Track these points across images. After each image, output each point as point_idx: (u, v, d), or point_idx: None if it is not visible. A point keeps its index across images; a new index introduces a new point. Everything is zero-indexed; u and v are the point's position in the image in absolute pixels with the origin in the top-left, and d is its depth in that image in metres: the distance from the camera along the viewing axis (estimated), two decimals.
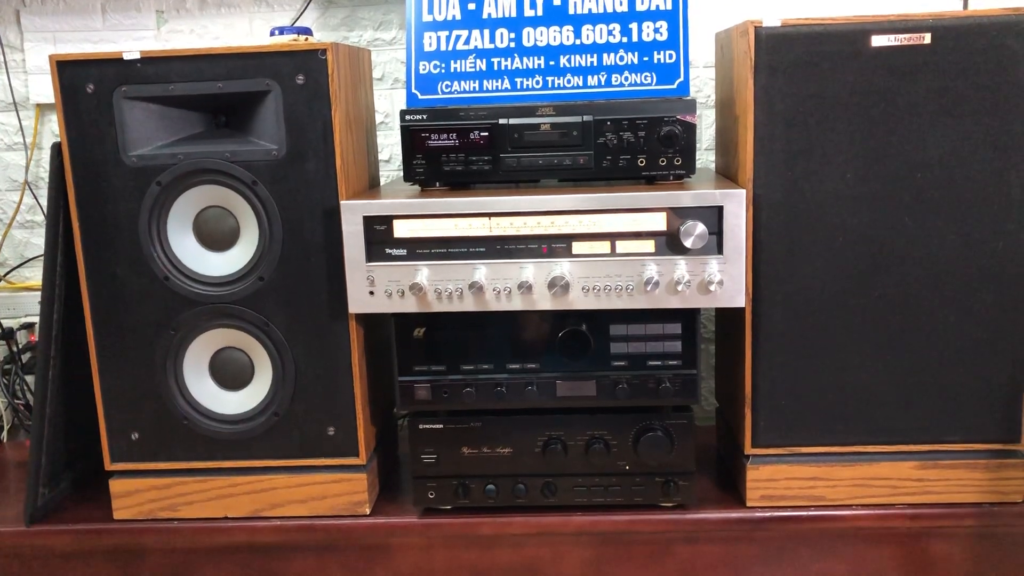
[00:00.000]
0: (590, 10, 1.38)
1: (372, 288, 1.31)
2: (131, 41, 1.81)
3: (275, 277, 1.36)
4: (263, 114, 1.34)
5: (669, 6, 1.37)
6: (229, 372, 1.42)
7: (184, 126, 1.38)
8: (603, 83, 1.37)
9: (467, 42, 1.40)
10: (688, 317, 1.31)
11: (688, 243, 1.24)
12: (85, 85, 1.33)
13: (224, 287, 1.37)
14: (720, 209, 1.25)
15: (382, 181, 1.81)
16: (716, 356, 1.62)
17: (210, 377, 1.42)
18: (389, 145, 1.82)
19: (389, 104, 1.81)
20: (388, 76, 1.80)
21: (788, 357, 1.32)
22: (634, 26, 1.37)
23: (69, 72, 1.33)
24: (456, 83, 1.40)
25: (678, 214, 1.26)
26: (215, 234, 1.38)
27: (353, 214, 1.30)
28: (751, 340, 1.32)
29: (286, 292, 1.36)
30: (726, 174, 1.46)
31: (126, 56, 1.32)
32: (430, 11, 1.41)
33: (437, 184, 1.39)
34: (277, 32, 1.44)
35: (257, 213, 1.35)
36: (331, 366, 1.38)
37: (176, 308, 1.38)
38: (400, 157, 1.76)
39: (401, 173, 1.81)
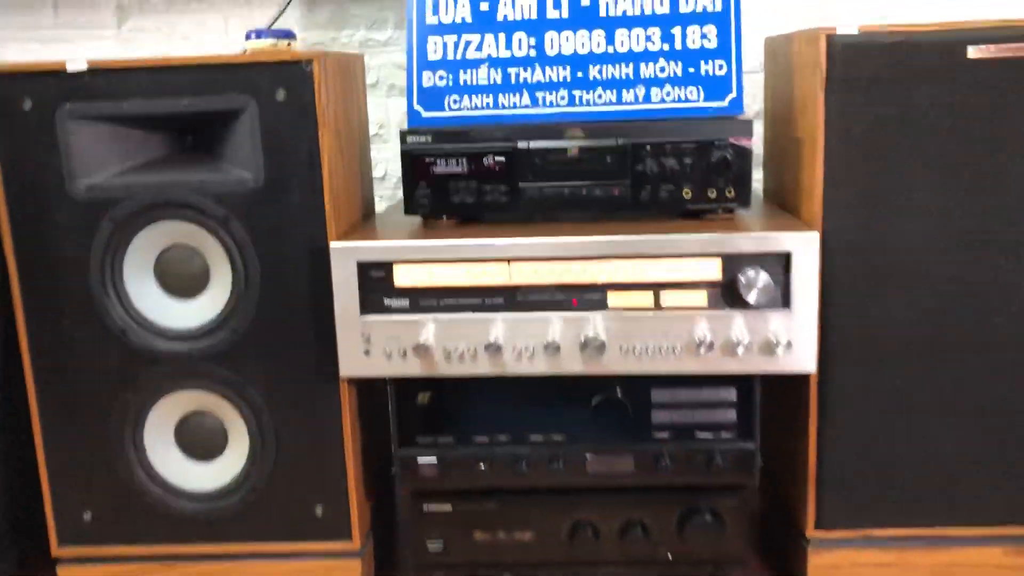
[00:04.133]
0: (625, 12, 1.16)
1: (368, 347, 1.10)
2: (87, 40, 1.58)
3: (252, 330, 1.14)
4: (237, 136, 1.12)
5: (718, 7, 1.15)
6: (198, 440, 1.20)
7: (143, 149, 1.16)
8: (641, 99, 1.16)
9: (479, 49, 1.18)
10: (745, 381, 1.10)
11: (750, 298, 1.04)
12: (21, 101, 1.10)
13: (192, 341, 1.15)
14: (787, 256, 1.04)
15: (377, 202, 1.59)
16: (761, 418, 1.41)
17: (176, 446, 1.21)
18: (384, 160, 1.60)
19: (384, 113, 1.59)
20: (383, 82, 1.58)
21: (860, 426, 1.11)
22: (677, 31, 1.16)
23: (1, 86, 1.10)
24: (466, 98, 1.18)
25: (736, 261, 1.05)
26: (181, 278, 1.16)
27: (345, 259, 1.09)
28: (817, 406, 1.11)
29: (265, 348, 1.14)
30: (780, 203, 1.25)
31: (70, 67, 1.09)
32: (435, 11, 1.19)
33: (444, 217, 1.18)
34: (254, 36, 1.22)
35: (230, 254, 1.13)
36: (318, 434, 1.16)
37: (135, 366, 1.16)
38: (397, 174, 1.54)
39: (399, 191, 1.60)
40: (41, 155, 1.12)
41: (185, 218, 1.12)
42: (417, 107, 1.19)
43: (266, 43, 1.21)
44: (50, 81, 1.10)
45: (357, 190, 1.25)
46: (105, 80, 1.10)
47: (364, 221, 1.27)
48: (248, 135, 1.10)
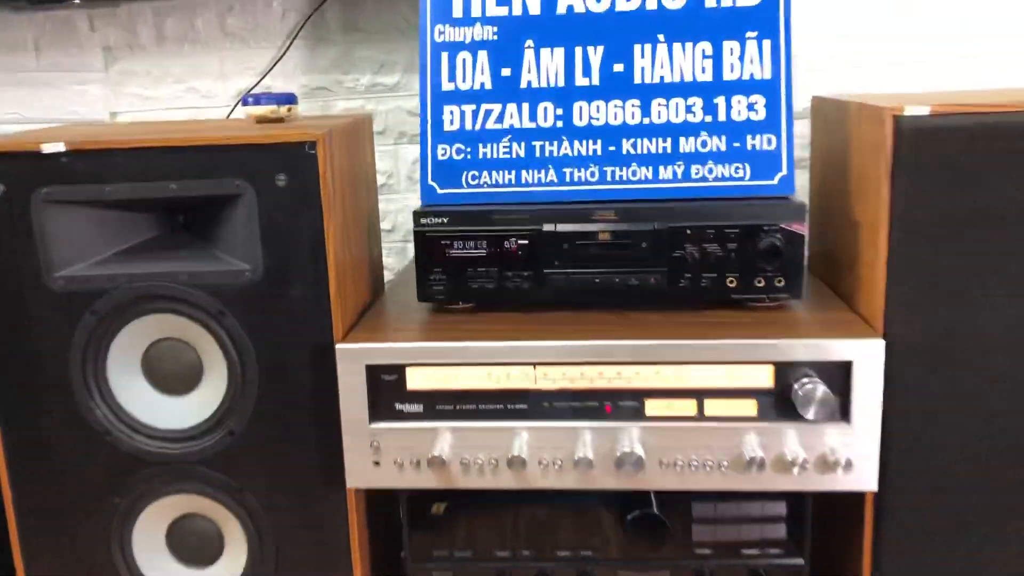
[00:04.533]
0: (662, 79, 1.05)
1: (378, 457, 0.99)
2: (72, 84, 1.46)
3: (250, 432, 1.03)
4: (233, 221, 1.01)
5: (767, 75, 1.04)
6: (192, 545, 1.10)
7: (128, 233, 1.05)
8: (680, 176, 1.04)
9: (500, 119, 1.07)
10: (796, 496, 1.00)
11: (808, 413, 0.93)
12: None
13: (184, 443, 1.05)
14: (848, 365, 0.93)
15: (384, 254, 1.48)
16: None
17: (168, 551, 1.11)
18: (393, 212, 1.49)
19: (393, 162, 1.47)
20: (391, 129, 1.46)
21: (918, 546, 1.00)
22: (721, 101, 1.04)
23: None
24: (486, 173, 1.07)
25: (790, 369, 0.94)
26: (171, 374, 1.05)
27: (352, 362, 0.98)
28: (872, 527, 1.00)
29: (264, 451, 1.04)
30: (828, 279, 1.14)
31: (46, 149, 0.98)
32: (451, 77, 1.08)
33: (460, 303, 1.07)
34: (251, 101, 1.10)
35: (225, 350, 1.02)
36: (324, 544, 1.06)
37: (122, 470, 1.06)
38: (406, 226, 1.44)
39: (408, 246, 1.48)
40: (16, 243, 1.01)
41: (175, 311, 1.02)
42: (432, 183, 1.07)
43: (265, 109, 1.10)
44: (24, 164, 0.99)
45: (365, 271, 1.14)
46: (84, 162, 0.98)
47: (373, 302, 1.16)
48: (245, 222, 0.99)
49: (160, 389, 1.06)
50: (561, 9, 1.06)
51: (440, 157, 1.08)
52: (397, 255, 1.50)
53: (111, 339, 1.03)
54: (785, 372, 0.94)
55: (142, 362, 1.05)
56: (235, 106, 1.44)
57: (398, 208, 1.49)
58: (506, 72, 1.07)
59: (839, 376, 0.94)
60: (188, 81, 1.45)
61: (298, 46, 1.43)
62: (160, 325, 1.03)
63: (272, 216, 0.99)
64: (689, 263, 1.02)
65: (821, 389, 0.92)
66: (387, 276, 1.48)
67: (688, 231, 1.01)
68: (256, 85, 1.44)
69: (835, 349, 0.93)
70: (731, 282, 1.02)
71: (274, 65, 1.43)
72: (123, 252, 1.04)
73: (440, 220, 1.04)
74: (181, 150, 0.98)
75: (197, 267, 1.01)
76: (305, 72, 1.44)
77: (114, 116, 1.47)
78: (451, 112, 1.08)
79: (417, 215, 1.04)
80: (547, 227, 1.03)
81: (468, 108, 1.07)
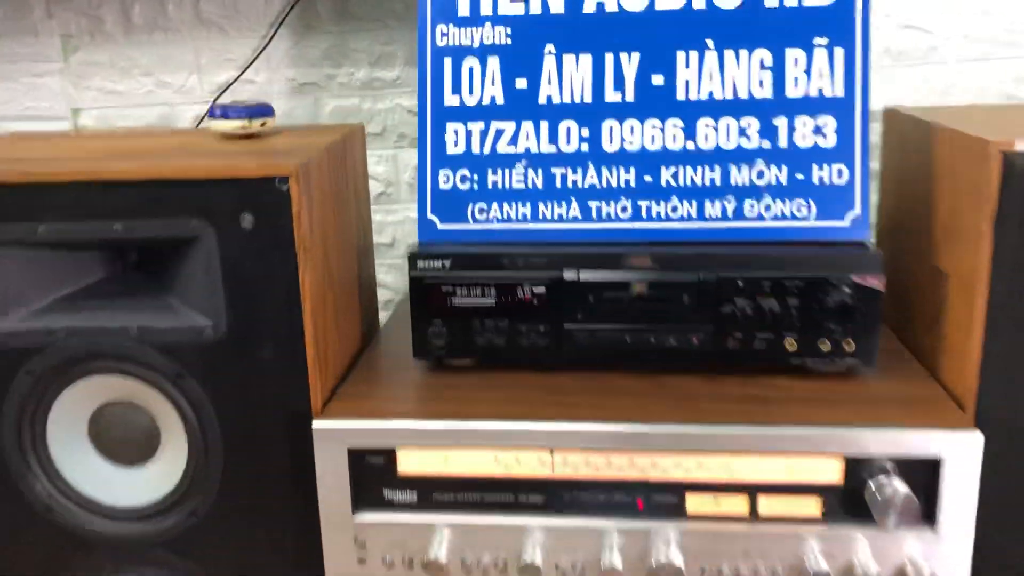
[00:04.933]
0: (711, 95, 0.86)
1: (362, 554, 0.83)
2: (26, 76, 1.28)
3: (214, 514, 0.87)
4: (191, 267, 0.84)
5: (839, 91, 0.85)
6: None
7: (68, 275, 0.88)
8: (730, 214, 0.86)
9: (514, 141, 0.89)
10: None
11: (887, 522, 0.75)
12: None
13: (139, 523, 0.89)
14: (936, 464, 0.76)
15: (384, 271, 1.31)
16: None
17: None
18: (392, 224, 1.31)
19: (392, 169, 1.29)
20: (391, 131, 1.28)
21: None
22: (782, 123, 0.86)
23: None
24: (496, 206, 0.89)
25: (864, 464, 0.77)
26: (123, 442, 0.89)
27: (332, 444, 0.81)
28: None
29: (231, 535, 0.88)
30: (902, 336, 0.96)
31: None
32: (456, 89, 0.89)
33: (466, 360, 0.90)
34: (218, 114, 0.93)
35: (184, 417, 0.86)
36: None
37: (66, 552, 0.90)
38: (408, 239, 1.26)
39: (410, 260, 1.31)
40: None
41: (125, 372, 0.85)
42: (431, 217, 0.90)
43: (234, 124, 0.92)
44: None
45: (353, 316, 0.97)
46: (12, 197, 0.81)
47: (364, 349, 0.99)
48: (204, 269, 0.82)
49: (110, 459, 0.90)
50: (589, 7, 0.88)
51: (442, 185, 0.90)
52: (398, 272, 1.33)
53: (51, 402, 0.87)
54: (857, 467, 0.77)
55: (89, 428, 0.89)
56: (213, 102, 1.27)
57: (398, 220, 1.31)
58: (521, 84, 0.89)
59: (924, 474, 0.76)
60: (158, 74, 1.27)
61: (284, 36, 1.25)
62: (108, 386, 0.87)
63: (236, 263, 0.81)
64: (739, 320, 0.84)
65: (903, 492, 0.75)
66: (386, 296, 1.32)
67: (740, 283, 0.84)
68: (236, 80, 1.26)
69: (920, 442, 0.76)
70: (790, 344, 0.84)
71: (256, 57, 1.25)
72: (63, 299, 0.87)
73: (440, 263, 0.87)
74: (125, 185, 0.80)
75: (149, 320, 0.84)
76: (292, 65, 1.26)
77: (76, 113, 1.30)
78: (455, 131, 0.90)
79: (413, 258, 0.87)
80: (568, 275, 0.85)
81: (476, 127, 0.89)
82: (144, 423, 0.89)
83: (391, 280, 1.33)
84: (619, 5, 0.87)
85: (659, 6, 0.87)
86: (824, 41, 0.85)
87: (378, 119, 1.27)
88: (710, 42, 0.86)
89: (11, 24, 1.27)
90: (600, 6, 0.87)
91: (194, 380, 0.84)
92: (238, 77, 1.25)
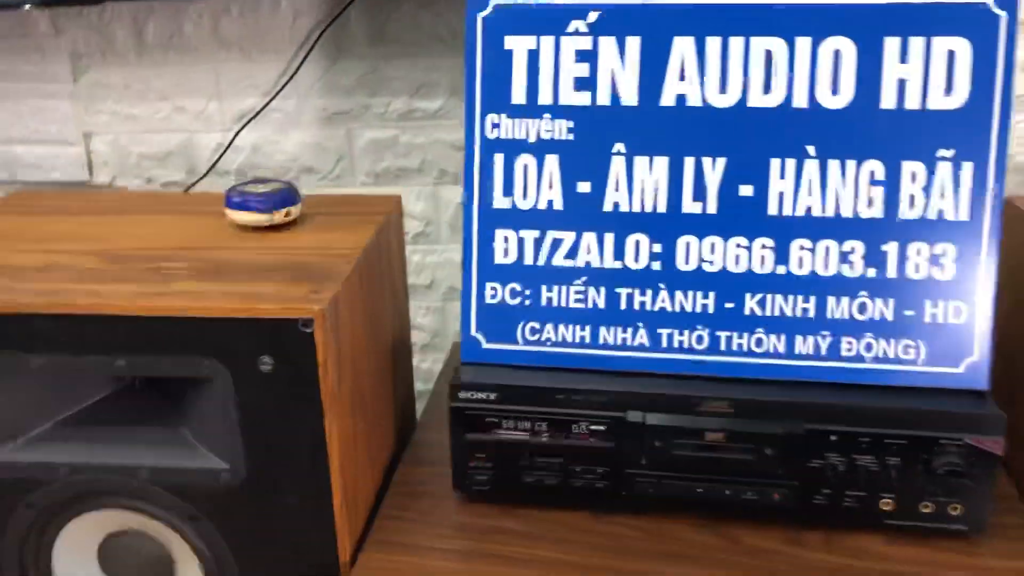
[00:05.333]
0: (809, 210, 0.73)
1: None
2: (32, 97, 1.17)
3: None
4: (205, 405, 0.74)
5: (963, 215, 0.71)
6: None
7: (69, 395, 0.79)
8: (825, 352, 0.74)
9: (573, 253, 0.77)
10: None
11: None
12: None
13: None
14: None
15: (421, 313, 1.20)
16: None
17: None
18: (431, 266, 1.20)
19: (432, 207, 1.17)
20: (431, 166, 1.15)
21: None
22: (892, 248, 0.73)
23: None
24: (550, 327, 0.78)
25: None
26: (137, 571, 0.81)
27: None
28: None
29: None
30: (1017, 476, 0.84)
31: None
32: (508, 190, 0.77)
33: (513, 501, 0.80)
34: (236, 202, 0.81)
35: (200, 556, 0.77)
36: None
37: None
38: (448, 282, 1.16)
39: (449, 305, 1.20)
40: None
41: (135, 510, 0.77)
42: (476, 334, 0.79)
43: (256, 219, 0.81)
44: None
45: (388, 426, 0.87)
46: (6, 326, 0.71)
47: (400, 454, 0.90)
48: (220, 411, 0.72)
49: None
50: (667, 99, 0.74)
51: (488, 299, 0.78)
52: (436, 315, 1.22)
53: (56, 533, 0.79)
54: None
55: (99, 556, 0.81)
56: (233, 138, 1.14)
57: (438, 261, 1.20)
58: (584, 187, 0.76)
59: None
60: (175, 98, 1.15)
61: (314, 59, 1.11)
62: (118, 518, 0.78)
63: (255, 407, 0.71)
64: (830, 478, 0.73)
65: None
66: (422, 339, 1.21)
67: (833, 436, 0.72)
68: (264, 108, 1.13)
69: None
70: (886, 504, 0.73)
71: (284, 86, 1.12)
72: (63, 423, 0.78)
73: (486, 395, 0.76)
74: (128, 320, 0.70)
75: (161, 459, 0.75)
76: (323, 93, 1.13)
77: (88, 138, 1.18)
78: (505, 239, 0.77)
79: (455, 388, 0.76)
80: (632, 416, 0.74)
81: (529, 235, 0.77)
82: (158, 553, 0.80)
83: (428, 323, 1.22)
84: (703, 99, 0.73)
85: (752, 103, 0.73)
86: (950, 153, 0.71)
87: (417, 153, 1.15)
88: (811, 149, 0.73)
89: (15, 41, 1.14)
90: (681, 99, 0.74)
91: (210, 523, 0.75)
92: (265, 106, 1.13)
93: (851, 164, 0.72)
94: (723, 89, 0.73)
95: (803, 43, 0.72)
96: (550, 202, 0.77)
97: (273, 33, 1.11)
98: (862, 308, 0.73)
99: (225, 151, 1.15)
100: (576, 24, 0.75)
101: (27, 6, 0.94)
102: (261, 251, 0.79)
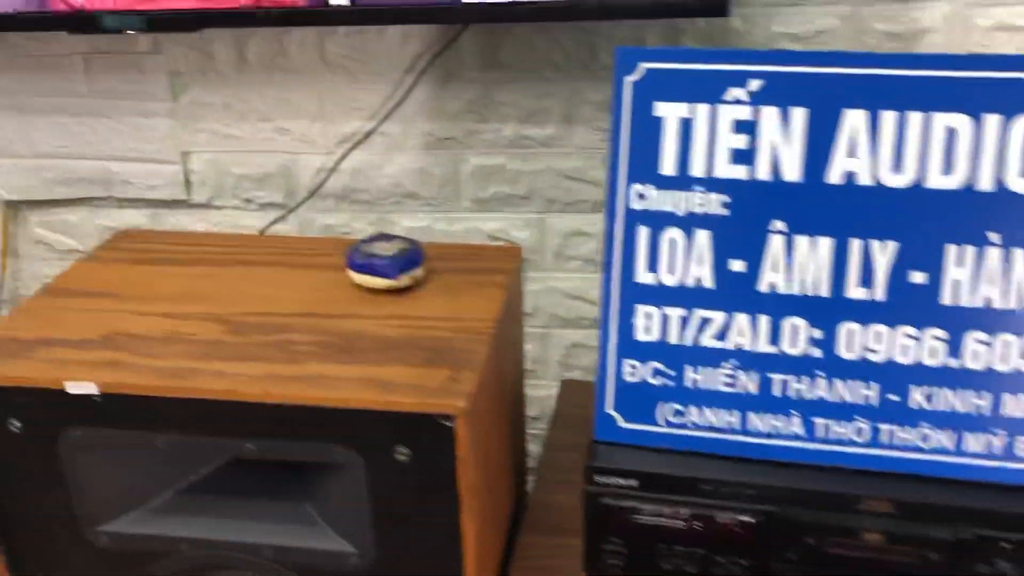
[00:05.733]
0: (988, 302, 0.67)
1: None
2: (130, 116, 1.14)
3: None
4: (334, 486, 0.71)
5: None
6: None
7: (190, 463, 0.76)
8: (999, 452, 0.69)
9: (723, 335, 0.72)
10: None
11: None
12: (6, 422, 0.71)
13: None
14: None
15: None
16: None
17: None
18: (533, 292, 1.15)
19: (538, 236, 1.13)
20: (538, 194, 1.10)
21: None
22: None
23: None
24: (695, 410, 0.73)
25: None
26: None
27: None
28: None
29: None
30: None
31: (71, 389, 0.69)
32: (652, 266, 0.72)
33: None
34: (357, 262, 0.78)
35: None
36: None
37: None
38: (548, 311, 1.12)
39: (548, 331, 1.16)
40: (41, 486, 0.73)
41: None
42: (611, 412, 0.74)
43: (380, 283, 0.77)
44: (45, 401, 0.70)
45: (508, 490, 0.84)
46: (123, 407, 0.69)
47: (516, 537, 0.86)
48: (350, 495, 0.70)
49: None
50: (834, 177, 0.68)
51: (627, 377, 0.74)
52: (537, 342, 1.18)
53: None
54: None
55: None
56: (339, 160, 1.11)
57: (540, 288, 1.15)
58: (738, 266, 0.71)
59: None
60: (277, 120, 1.11)
61: (422, 83, 1.06)
62: None
63: (388, 495, 0.69)
64: None
65: None
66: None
67: (1005, 544, 0.67)
68: (372, 132, 1.09)
69: None
70: None
71: (394, 110, 1.07)
72: (184, 493, 0.75)
73: (625, 482, 0.72)
74: (259, 407, 0.67)
75: (286, 538, 0.73)
76: (429, 118, 1.08)
77: (187, 157, 1.15)
78: (647, 315, 0.73)
79: (591, 472, 0.72)
80: (784, 511, 0.70)
81: (675, 312, 0.72)
82: None
83: (529, 349, 1.18)
84: (876, 179, 0.67)
85: (929, 183, 0.67)
86: None
87: (524, 181, 1.10)
88: (994, 236, 0.66)
89: (115, 58, 1.11)
90: (850, 177, 0.68)
91: None
92: (374, 129, 1.08)
93: None
94: (897, 168, 0.67)
95: (992, 120, 0.65)
96: (699, 279, 0.71)
97: (378, 56, 1.06)
98: None
99: (330, 175, 1.11)
100: (735, 92, 0.69)
101: (128, 31, 0.91)
102: (389, 322, 0.75)
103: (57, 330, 0.74)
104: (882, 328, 0.69)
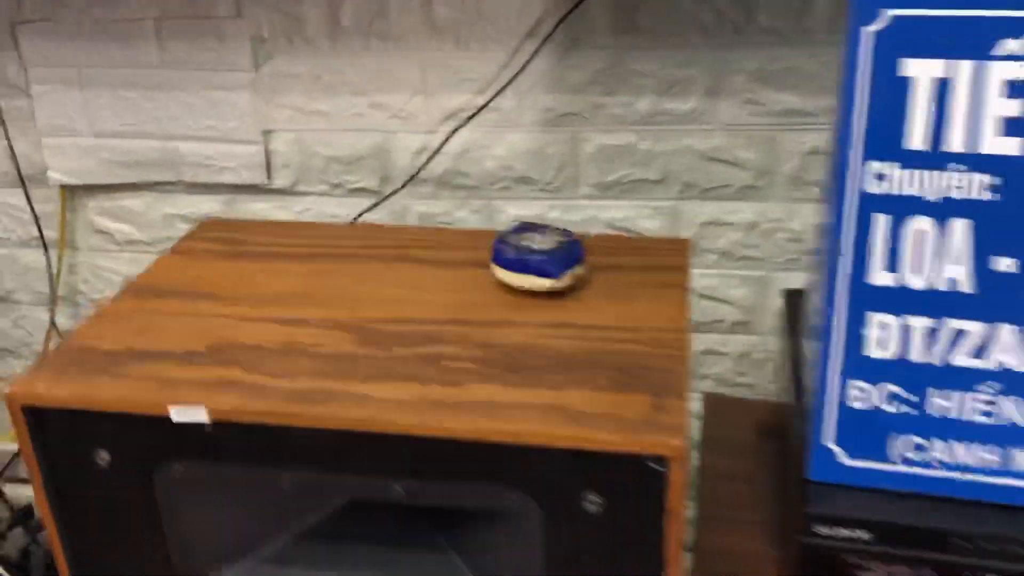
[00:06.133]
0: None
1: None
2: (205, 89, 1.00)
3: None
4: (490, 534, 0.57)
5: None
6: None
7: (312, 499, 0.63)
8: None
9: (983, 352, 0.57)
10: None
11: None
12: (91, 453, 0.58)
13: None
14: None
15: None
16: None
17: None
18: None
19: (669, 224, 0.98)
20: (673, 178, 0.96)
21: None
22: None
23: (54, 433, 0.57)
24: (941, 445, 0.59)
25: None
26: None
27: None
28: None
29: None
30: None
31: (176, 417, 0.55)
32: (891, 264, 0.57)
33: None
34: (511, 261, 0.64)
35: None
36: None
37: None
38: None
39: None
40: (134, 534, 0.60)
41: None
42: (832, 446, 0.60)
43: (542, 283, 0.63)
44: (140, 428, 0.56)
45: None
46: (244, 436, 0.55)
47: None
48: (518, 549, 0.56)
49: None
50: None
51: (853, 403, 0.59)
52: None
53: None
54: None
55: None
56: (445, 140, 0.97)
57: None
58: (1007, 265, 0.56)
59: None
60: (373, 94, 0.97)
61: (545, 53, 0.92)
62: None
63: (568, 551, 0.55)
64: None
65: None
66: None
67: None
68: (482, 109, 0.95)
69: None
70: None
71: (511, 81, 0.93)
72: (303, 540, 0.62)
73: (853, 534, 0.58)
74: (409, 441, 0.53)
75: None
76: (549, 90, 0.94)
77: (267, 136, 1.02)
78: (882, 326, 0.58)
79: (810, 519, 0.58)
80: None
81: (919, 323, 0.58)
82: None
83: None
84: None
85: None
86: None
87: (658, 163, 0.96)
88: None
89: (190, 24, 0.97)
90: None
91: None
92: (487, 103, 0.95)
93: None
94: None
95: None
96: (953, 281, 0.57)
97: (494, 19, 0.92)
98: None
99: (434, 155, 0.97)
100: (1009, 46, 0.54)
101: None
102: (556, 331, 0.61)
103: (151, 340, 0.61)
104: None
